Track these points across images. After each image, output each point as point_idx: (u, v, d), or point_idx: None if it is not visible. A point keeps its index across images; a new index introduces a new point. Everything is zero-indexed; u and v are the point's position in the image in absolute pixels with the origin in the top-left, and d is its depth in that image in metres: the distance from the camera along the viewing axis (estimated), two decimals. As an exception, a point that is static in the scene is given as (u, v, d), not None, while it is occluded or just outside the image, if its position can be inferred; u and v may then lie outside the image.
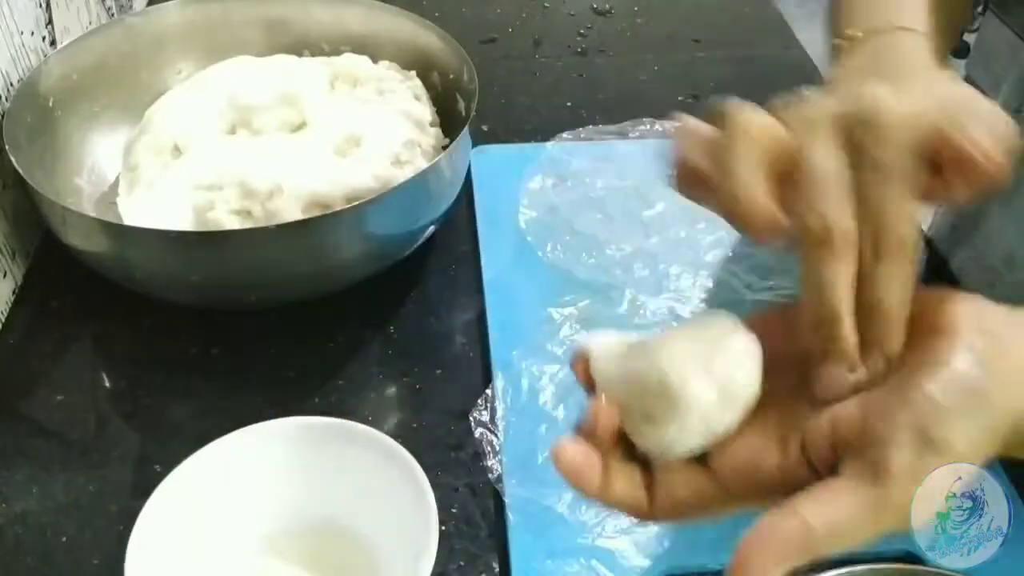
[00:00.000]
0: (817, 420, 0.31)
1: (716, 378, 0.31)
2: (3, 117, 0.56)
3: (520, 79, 0.83)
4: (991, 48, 1.96)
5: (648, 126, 0.75)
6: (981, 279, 0.63)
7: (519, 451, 0.50)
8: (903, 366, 0.31)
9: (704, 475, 0.32)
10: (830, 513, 0.29)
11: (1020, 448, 0.33)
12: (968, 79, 2.28)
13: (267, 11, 0.70)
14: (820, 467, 0.31)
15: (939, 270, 0.66)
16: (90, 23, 0.72)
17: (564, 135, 0.73)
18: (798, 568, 0.41)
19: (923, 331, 0.31)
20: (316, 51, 0.70)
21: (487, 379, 0.54)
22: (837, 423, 0.31)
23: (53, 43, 0.65)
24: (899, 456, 0.29)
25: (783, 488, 0.31)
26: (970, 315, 0.31)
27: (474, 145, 0.67)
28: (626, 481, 0.32)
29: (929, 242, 0.68)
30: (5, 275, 0.58)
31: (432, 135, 0.62)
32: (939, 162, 0.30)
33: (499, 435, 0.51)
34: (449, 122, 0.64)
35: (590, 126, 0.74)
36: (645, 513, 0.32)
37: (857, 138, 0.30)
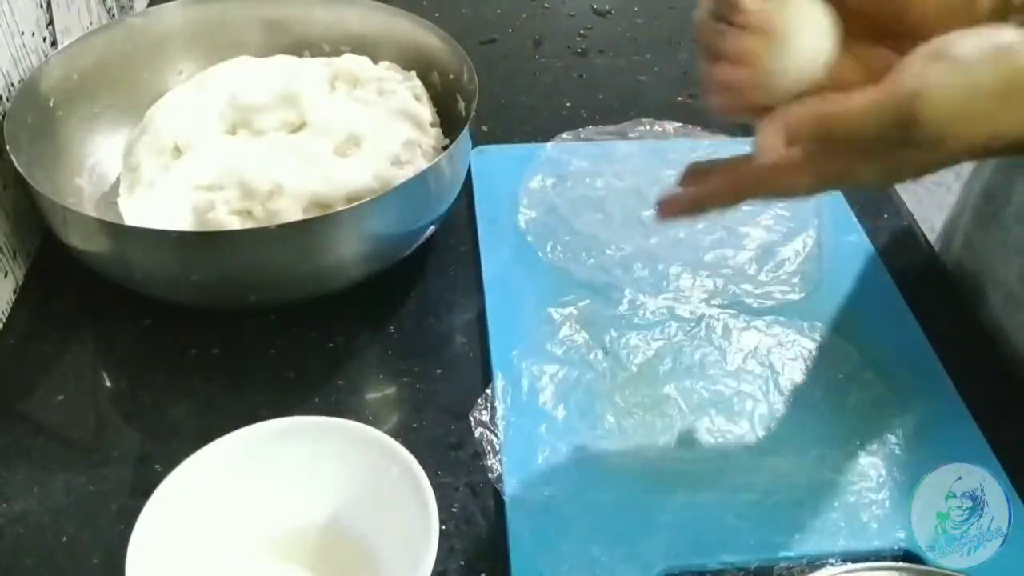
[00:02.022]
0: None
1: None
2: (4, 117, 0.56)
3: (520, 79, 0.83)
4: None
5: (648, 126, 0.75)
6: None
7: (519, 451, 0.50)
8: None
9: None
10: (842, 99, 0.34)
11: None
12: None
13: (267, 12, 0.70)
14: None
15: (932, 262, 0.66)
16: (91, 24, 0.72)
17: (564, 135, 0.73)
18: (797, 566, 0.42)
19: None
20: (316, 51, 0.70)
21: (487, 379, 0.54)
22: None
23: (54, 44, 0.65)
24: (907, 60, 0.34)
25: None
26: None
27: (474, 145, 0.67)
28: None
29: (923, 234, 0.68)
30: (6, 275, 0.58)
31: (432, 135, 0.62)
32: None
33: (499, 435, 0.51)
34: (449, 122, 0.64)
35: (590, 126, 0.75)
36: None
37: None
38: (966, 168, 0.66)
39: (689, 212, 0.40)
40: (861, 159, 0.36)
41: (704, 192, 0.40)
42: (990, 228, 0.62)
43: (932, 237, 0.70)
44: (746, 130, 0.73)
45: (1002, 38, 0.34)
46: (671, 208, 0.40)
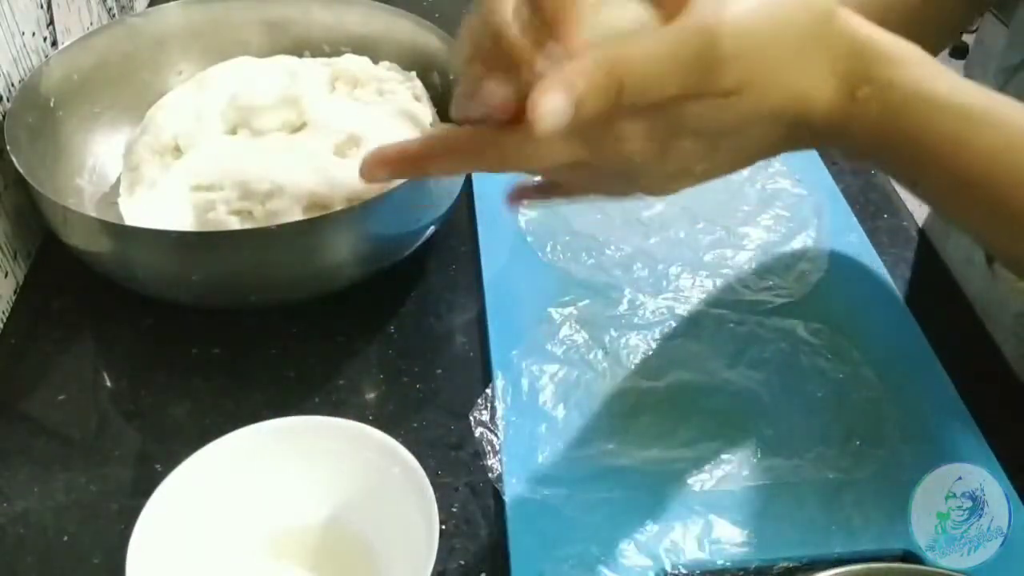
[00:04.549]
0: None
1: None
2: (4, 117, 0.56)
3: (520, 79, 0.83)
4: (990, 48, 1.96)
5: (648, 126, 0.75)
6: (969, 270, 0.63)
7: (519, 451, 0.50)
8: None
9: None
10: (633, 41, 0.29)
11: (858, 81, 0.33)
12: (967, 77, 2.29)
13: (268, 12, 0.70)
14: None
15: (931, 261, 0.66)
16: (91, 24, 0.72)
17: (564, 135, 0.73)
18: (797, 566, 0.42)
19: None
20: (317, 52, 0.70)
21: (487, 379, 0.54)
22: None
23: (54, 44, 0.66)
24: None
25: None
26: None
27: (474, 145, 0.67)
28: None
29: (922, 233, 0.68)
30: (7, 275, 0.58)
31: (432, 135, 0.62)
32: None
33: (499, 435, 0.51)
34: (449, 123, 0.64)
35: (590, 126, 0.75)
36: None
37: None
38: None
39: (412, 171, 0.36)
40: (655, 125, 0.31)
41: (441, 149, 0.34)
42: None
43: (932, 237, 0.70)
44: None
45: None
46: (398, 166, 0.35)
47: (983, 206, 0.36)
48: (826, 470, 0.50)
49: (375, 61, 0.67)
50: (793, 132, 0.34)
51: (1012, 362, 0.58)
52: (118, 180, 0.62)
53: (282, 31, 0.70)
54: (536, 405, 0.53)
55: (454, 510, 0.48)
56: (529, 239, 0.64)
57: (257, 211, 0.55)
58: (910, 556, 0.46)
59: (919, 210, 0.68)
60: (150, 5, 0.84)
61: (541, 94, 0.28)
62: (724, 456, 0.50)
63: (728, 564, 0.46)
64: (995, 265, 0.61)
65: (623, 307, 0.59)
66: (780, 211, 0.67)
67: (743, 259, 0.63)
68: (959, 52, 1.96)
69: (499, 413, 0.52)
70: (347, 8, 0.69)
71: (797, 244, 0.64)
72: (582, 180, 0.37)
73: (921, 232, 0.68)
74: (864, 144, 0.35)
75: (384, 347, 0.57)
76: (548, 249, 0.63)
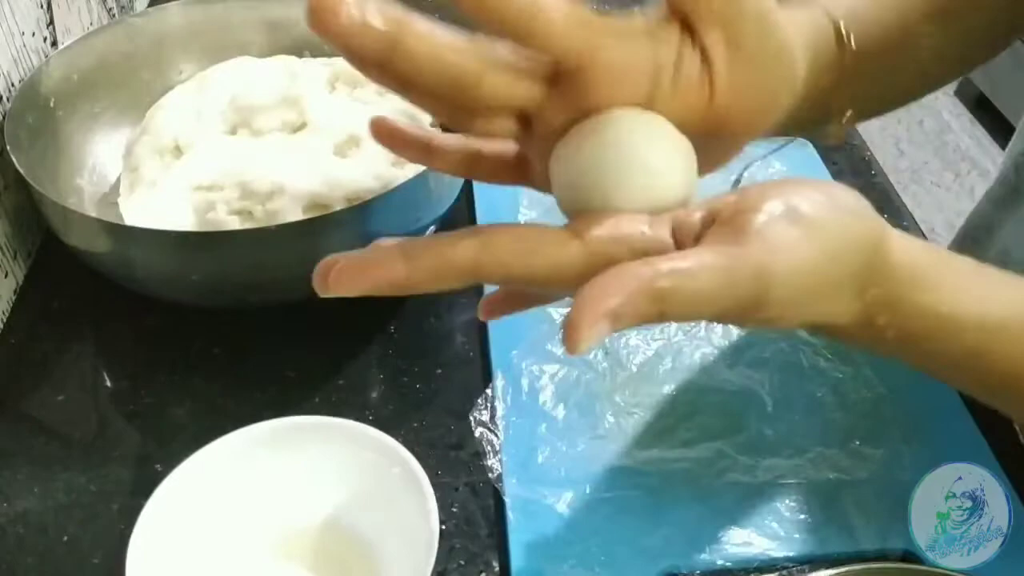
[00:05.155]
0: (692, 209, 0.31)
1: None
2: (4, 118, 0.56)
3: (520, 79, 0.83)
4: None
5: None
6: None
7: (519, 451, 0.50)
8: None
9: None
10: (687, 266, 0.28)
11: (875, 302, 0.33)
12: (967, 79, 2.29)
13: (268, 12, 0.70)
14: (685, 244, 0.30)
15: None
16: (91, 24, 0.72)
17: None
18: (797, 566, 0.42)
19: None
20: (317, 52, 0.70)
21: (487, 379, 0.54)
22: (713, 205, 0.31)
23: (54, 44, 0.66)
24: (760, 219, 0.29)
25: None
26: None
27: (474, 145, 0.67)
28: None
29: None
30: (6, 275, 0.58)
31: (432, 135, 0.62)
32: None
33: (499, 435, 0.51)
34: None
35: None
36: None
37: None
38: (966, 170, 0.66)
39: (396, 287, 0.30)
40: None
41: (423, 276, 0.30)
42: None
43: (932, 237, 0.70)
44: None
45: (845, 200, 0.32)
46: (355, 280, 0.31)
47: (1009, 404, 0.38)
48: (826, 470, 0.50)
49: (375, 61, 0.66)
50: (812, 331, 0.35)
51: None
52: (118, 180, 0.62)
53: (282, 31, 0.70)
54: (536, 405, 0.53)
55: (454, 510, 0.48)
56: (529, 239, 0.63)
57: (257, 211, 0.55)
58: (910, 556, 0.46)
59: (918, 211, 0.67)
60: (150, 5, 0.84)
61: (581, 319, 0.27)
62: (724, 456, 0.50)
63: (728, 564, 0.46)
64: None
65: (623, 307, 0.59)
66: (780, 211, 0.67)
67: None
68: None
69: (499, 413, 0.52)
70: (347, 8, 0.69)
71: (797, 244, 0.64)
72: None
73: (922, 233, 0.68)
74: (884, 352, 0.36)
75: (384, 347, 0.57)
76: (548, 249, 0.63)
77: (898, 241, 0.33)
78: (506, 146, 0.37)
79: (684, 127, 0.32)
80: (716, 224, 0.30)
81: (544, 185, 0.35)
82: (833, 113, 0.43)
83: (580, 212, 0.32)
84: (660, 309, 0.28)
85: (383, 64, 0.29)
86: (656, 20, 0.32)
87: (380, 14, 0.28)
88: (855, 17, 0.41)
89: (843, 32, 0.40)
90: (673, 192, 0.32)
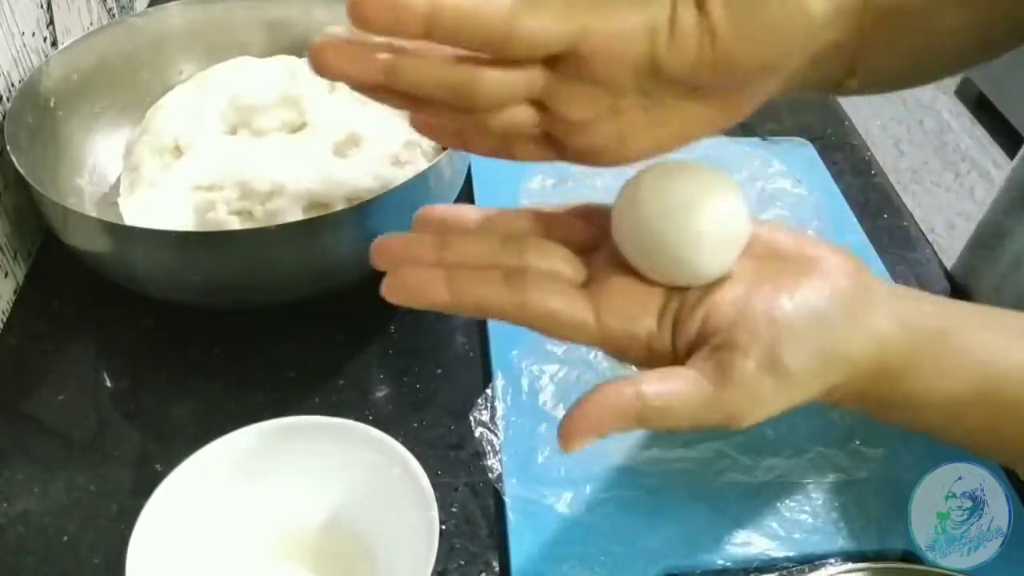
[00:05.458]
0: (697, 305, 0.34)
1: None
2: (4, 117, 0.56)
3: (520, 79, 0.83)
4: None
5: (648, 126, 0.75)
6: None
7: (519, 451, 0.50)
8: (785, 273, 0.34)
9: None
10: (667, 395, 0.32)
11: (842, 398, 0.36)
12: (967, 78, 2.29)
13: (268, 12, 0.70)
14: (680, 346, 0.34)
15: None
16: (91, 24, 0.72)
17: (564, 135, 0.73)
18: (797, 566, 0.42)
19: (804, 260, 0.35)
20: (317, 52, 0.70)
21: (487, 379, 0.54)
22: (711, 313, 0.34)
23: (54, 44, 0.66)
24: (743, 367, 0.33)
25: (644, 350, 0.35)
26: (850, 266, 0.35)
27: (474, 145, 0.67)
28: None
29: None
30: (6, 275, 0.58)
31: (432, 135, 0.62)
32: None
33: (499, 435, 0.51)
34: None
35: (590, 126, 0.74)
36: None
37: None
38: (966, 170, 0.66)
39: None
40: None
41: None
42: (984, 275, 0.62)
43: (932, 237, 0.70)
44: (744, 128, 0.73)
45: (834, 305, 0.34)
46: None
47: (989, 457, 0.40)
48: (826, 470, 0.50)
49: (375, 61, 0.66)
50: None
51: None
52: (118, 180, 0.62)
53: (283, 31, 0.70)
54: (536, 405, 0.53)
55: (454, 510, 0.48)
56: (529, 239, 0.63)
57: (257, 211, 0.55)
58: (910, 556, 0.46)
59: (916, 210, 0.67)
60: (150, 5, 0.84)
61: (575, 430, 0.32)
62: (724, 456, 0.50)
63: (728, 564, 0.46)
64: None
65: (623, 307, 0.59)
66: (780, 211, 0.67)
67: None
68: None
69: (499, 413, 0.52)
70: (347, 8, 0.69)
71: (797, 244, 0.64)
72: None
73: (922, 233, 0.68)
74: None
75: (384, 347, 0.57)
76: (548, 249, 0.63)
77: (872, 342, 0.34)
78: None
79: (690, 77, 0.33)
80: (707, 348, 0.33)
81: (577, 159, 0.36)
82: (857, 74, 0.43)
83: (630, 256, 0.36)
84: (640, 424, 0.33)
85: (384, 89, 0.32)
86: None
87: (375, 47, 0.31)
88: None
89: None
90: (708, 272, 0.35)
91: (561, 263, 0.36)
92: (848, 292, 0.34)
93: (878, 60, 0.41)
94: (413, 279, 0.35)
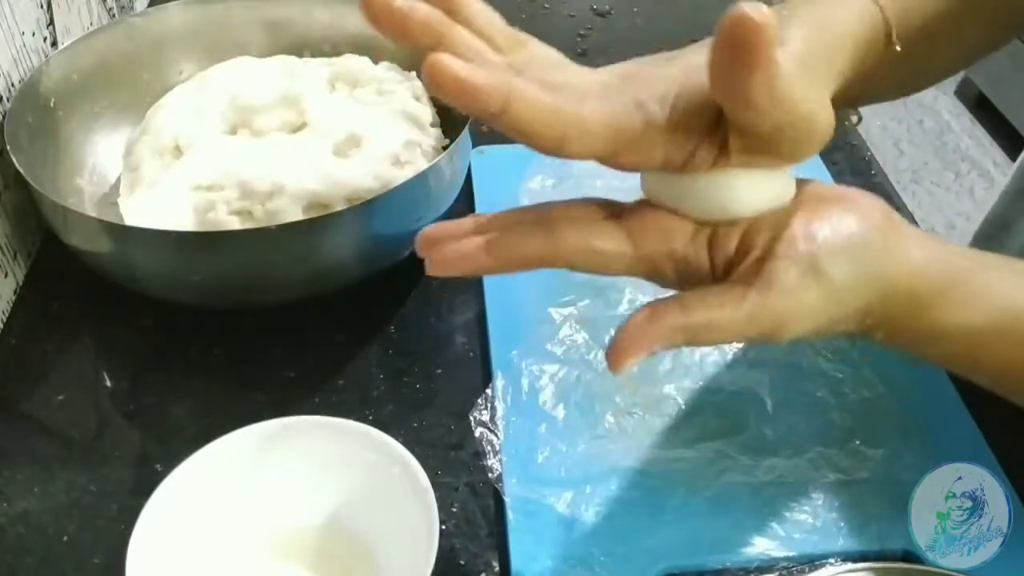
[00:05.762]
0: (733, 225, 0.35)
1: None
2: (4, 117, 0.56)
3: (520, 79, 0.83)
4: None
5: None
6: None
7: (519, 451, 0.50)
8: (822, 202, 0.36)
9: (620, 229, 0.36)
10: (711, 308, 0.33)
11: (873, 324, 0.36)
12: (967, 78, 2.29)
13: (268, 12, 0.70)
14: (719, 264, 0.35)
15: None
16: (91, 24, 0.72)
17: (564, 135, 0.73)
18: (797, 566, 0.42)
19: (840, 198, 0.36)
20: (317, 52, 0.70)
21: (487, 379, 0.54)
22: (751, 229, 0.35)
23: (54, 44, 0.66)
24: (788, 272, 0.33)
25: (683, 271, 0.35)
26: (883, 205, 0.37)
27: (474, 146, 0.67)
28: None
29: None
30: (6, 275, 0.58)
31: (432, 135, 0.62)
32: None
33: (499, 435, 0.51)
34: (449, 122, 0.64)
35: (590, 126, 0.74)
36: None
37: None
38: (966, 170, 0.66)
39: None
40: None
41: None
42: None
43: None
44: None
45: (868, 229, 0.35)
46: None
47: (1006, 395, 0.41)
48: (826, 470, 0.50)
49: (375, 61, 0.67)
50: None
51: None
52: (118, 180, 0.62)
53: (282, 31, 0.70)
54: (536, 405, 0.53)
55: (454, 510, 0.48)
56: (529, 239, 0.63)
57: (257, 211, 0.55)
58: (910, 556, 0.46)
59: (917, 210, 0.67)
60: (150, 5, 0.84)
61: (625, 349, 0.33)
62: (724, 456, 0.50)
63: (728, 564, 0.46)
64: None
65: (623, 307, 0.59)
66: (780, 211, 0.67)
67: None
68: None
69: (499, 413, 0.52)
70: (347, 8, 0.69)
71: (797, 244, 0.64)
72: None
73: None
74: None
75: (384, 347, 0.57)
76: (548, 249, 0.63)
77: (905, 266, 0.36)
78: None
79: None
80: (748, 262, 0.34)
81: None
82: (866, 90, 0.44)
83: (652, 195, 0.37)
84: (689, 342, 0.33)
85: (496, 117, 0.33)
86: (683, 110, 0.34)
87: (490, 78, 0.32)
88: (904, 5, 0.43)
89: (891, 33, 0.42)
90: (743, 211, 0.35)
91: (589, 209, 0.36)
92: (883, 225, 0.36)
93: (880, 88, 0.43)
94: (452, 251, 0.36)
